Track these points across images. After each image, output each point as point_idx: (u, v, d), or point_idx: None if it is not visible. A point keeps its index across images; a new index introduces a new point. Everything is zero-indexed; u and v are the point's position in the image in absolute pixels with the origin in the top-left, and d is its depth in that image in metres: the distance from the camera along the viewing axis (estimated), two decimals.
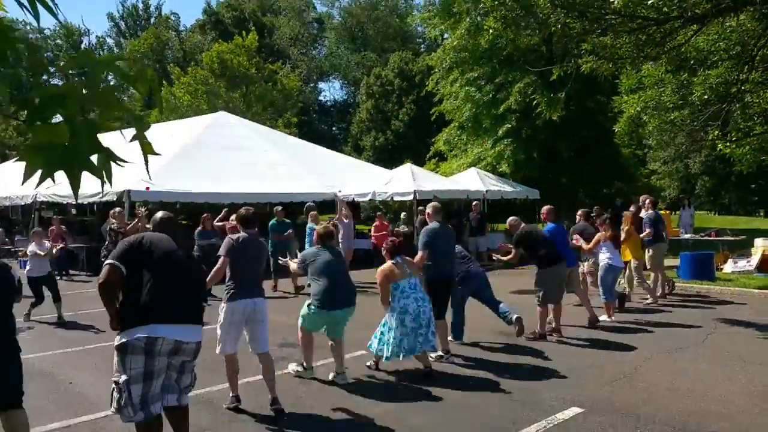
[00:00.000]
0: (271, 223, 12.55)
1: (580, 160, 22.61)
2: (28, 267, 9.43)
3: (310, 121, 49.30)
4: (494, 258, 9.11)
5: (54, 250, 10.00)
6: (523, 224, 8.28)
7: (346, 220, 12.37)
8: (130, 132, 1.53)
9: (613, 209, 15.08)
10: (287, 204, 15.71)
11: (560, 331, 7.90)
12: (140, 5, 58.73)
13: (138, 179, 13.18)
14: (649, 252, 10.51)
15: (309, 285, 6.59)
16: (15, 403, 3.91)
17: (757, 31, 9.90)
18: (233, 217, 7.57)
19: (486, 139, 22.89)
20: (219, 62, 31.75)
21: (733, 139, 11.72)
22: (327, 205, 18.26)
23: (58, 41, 55.17)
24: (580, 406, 5.20)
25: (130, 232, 10.28)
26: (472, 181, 18.23)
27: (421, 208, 15.34)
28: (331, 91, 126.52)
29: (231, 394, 5.27)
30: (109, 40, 58.94)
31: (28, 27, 38.77)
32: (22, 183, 1.48)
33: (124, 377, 3.70)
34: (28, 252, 9.49)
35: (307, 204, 13.32)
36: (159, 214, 4.26)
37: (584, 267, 9.61)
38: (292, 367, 6.26)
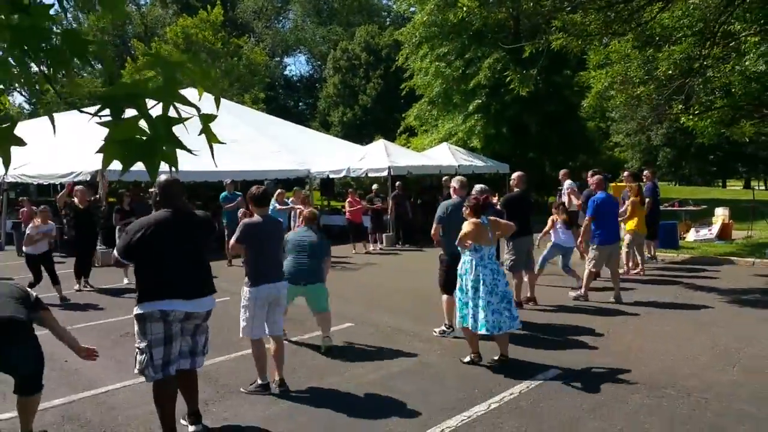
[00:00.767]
0: (223, 195, 13.40)
1: (546, 134, 23.07)
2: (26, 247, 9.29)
3: (276, 96, 48.82)
4: None
5: (53, 231, 9.84)
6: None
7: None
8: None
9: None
10: (261, 182, 15.74)
11: (536, 299, 8.28)
12: None
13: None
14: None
15: None
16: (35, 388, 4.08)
17: (718, 8, 10.27)
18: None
19: (456, 114, 23.13)
20: (184, 37, 31.19)
21: (696, 112, 12.14)
22: (299, 183, 18.34)
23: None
24: (559, 368, 5.56)
25: (59, 200, 10.35)
26: (444, 156, 18.48)
27: (399, 183, 15.59)
28: (296, 65, 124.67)
29: (259, 381, 5.16)
30: (69, 16, 56.98)
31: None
32: (102, 171, 1.64)
33: (145, 343, 3.98)
34: (33, 233, 9.26)
35: (267, 182, 13.56)
36: (162, 178, 4.12)
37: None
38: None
